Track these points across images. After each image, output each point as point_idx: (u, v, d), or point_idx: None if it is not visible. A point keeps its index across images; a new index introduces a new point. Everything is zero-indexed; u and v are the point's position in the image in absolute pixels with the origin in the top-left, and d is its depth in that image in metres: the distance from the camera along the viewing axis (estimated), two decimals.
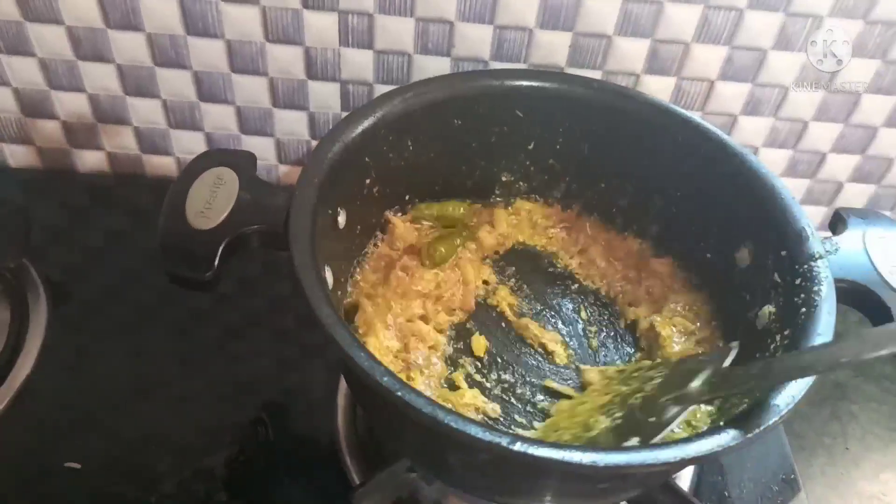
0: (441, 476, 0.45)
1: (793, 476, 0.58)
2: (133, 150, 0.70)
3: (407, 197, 0.58)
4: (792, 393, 0.37)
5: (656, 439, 0.40)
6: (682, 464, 0.33)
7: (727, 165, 0.51)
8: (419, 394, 0.35)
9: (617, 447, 0.35)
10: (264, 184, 0.46)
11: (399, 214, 0.57)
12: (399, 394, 0.35)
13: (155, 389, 0.56)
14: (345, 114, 0.65)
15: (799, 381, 0.38)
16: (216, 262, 0.42)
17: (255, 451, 0.54)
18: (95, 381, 0.56)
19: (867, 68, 0.61)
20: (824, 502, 0.62)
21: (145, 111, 0.67)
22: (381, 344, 0.48)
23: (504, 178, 0.60)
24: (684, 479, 0.54)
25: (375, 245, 0.56)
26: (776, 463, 0.59)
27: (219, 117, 0.67)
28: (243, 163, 0.47)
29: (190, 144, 0.69)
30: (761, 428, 0.35)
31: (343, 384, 0.57)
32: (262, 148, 0.69)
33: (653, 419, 0.42)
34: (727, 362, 0.43)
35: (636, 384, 0.47)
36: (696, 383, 0.42)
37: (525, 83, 0.56)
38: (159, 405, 0.55)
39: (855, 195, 0.71)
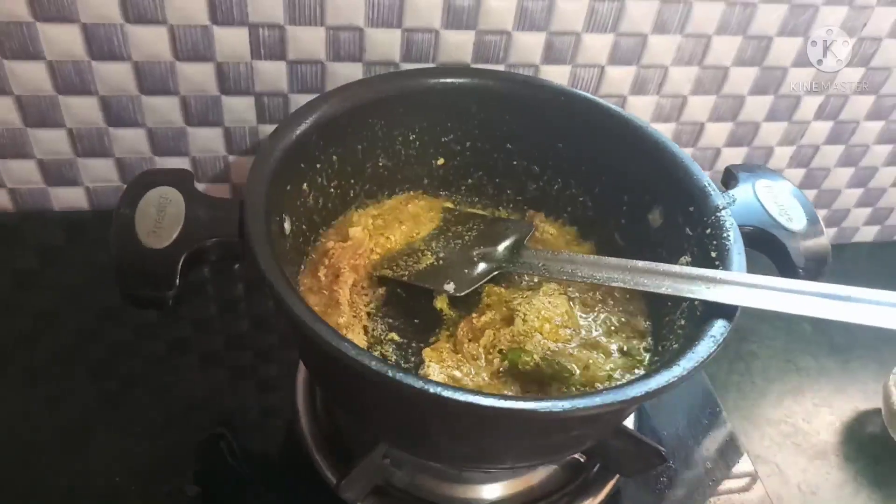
0: (420, 452, 0.47)
1: (718, 408, 0.64)
2: (38, 184, 0.67)
3: (347, 198, 0.60)
4: (723, 325, 0.43)
5: (464, 290, 0.53)
6: (648, 396, 0.37)
7: (631, 139, 0.56)
8: (407, 371, 0.38)
9: (581, 393, 0.39)
10: (208, 197, 0.47)
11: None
12: (391, 374, 0.37)
13: (97, 426, 0.55)
14: (261, 126, 0.66)
15: (725, 316, 0.44)
16: (177, 278, 0.42)
17: (221, 466, 0.54)
18: (20, 434, 0.54)
19: (732, 45, 0.70)
20: (741, 431, 0.69)
21: (49, 142, 0.64)
22: None
23: (426, 171, 0.63)
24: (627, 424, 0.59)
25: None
26: (702, 400, 0.65)
27: (129, 141, 0.65)
28: (182, 180, 0.47)
29: (100, 172, 0.67)
30: (708, 355, 0.40)
31: (302, 386, 0.58)
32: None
33: (466, 270, 0.54)
34: (527, 239, 0.57)
35: (461, 229, 0.58)
36: (500, 247, 0.55)
37: (439, 80, 0.59)
38: (107, 440, 0.54)
39: (732, 157, 0.80)
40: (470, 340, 0.52)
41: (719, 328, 0.43)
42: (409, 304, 0.56)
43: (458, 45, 0.65)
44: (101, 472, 0.52)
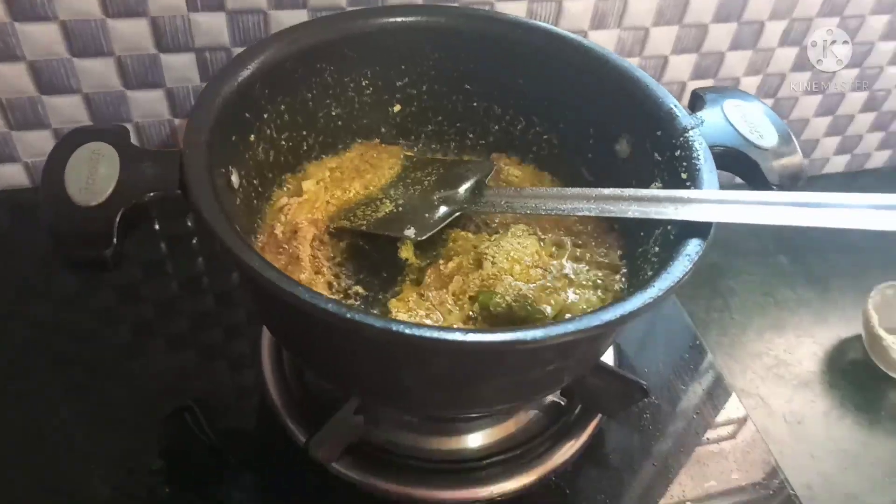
0: (391, 402, 0.45)
1: (698, 342, 0.63)
2: None
3: (300, 151, 0.57)
4: (697, 244, 0.41)
5: (427, 234, 0.50)
6: (624, 320, 0.35)
7: (593, 68, 0.54)
8: (369, 312, 0.35)
9: (560, 321, 0.37)
10: (146, 151, 0.43)
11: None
12: (349, 315, 0.34)
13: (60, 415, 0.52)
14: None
15: (699, 235, 0.42)
16: (114, 236, 0.39)
17: (190, 438, 0.51)
18: None
19: None
20: (725, 367, 0.68)
21: None
22: None
23: (383, 119, 0.60)
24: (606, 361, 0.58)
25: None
26: (681, 336, 0.64)
27: (66, 109, 0.62)
28: (116, 135, 0.44)
29: (38, 145, 0.63)
30: (683, 274, 0.38)
31: (267, 351, 0.55)
32: None
33: (427, 215, 0.52)
34: (488, 178, 0.54)
35: (419, 175, 0.56)
36: (462, 189, 0.53)
37: (389, 20, 0.56)
38: (71, 423, 0.51)
39: None
40: (438, 288, 0.50)
41: (693, 247, 0.41)
42: (374, 255, 0.53)
43: None
44: (65, 459, 0.49)
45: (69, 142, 0.43)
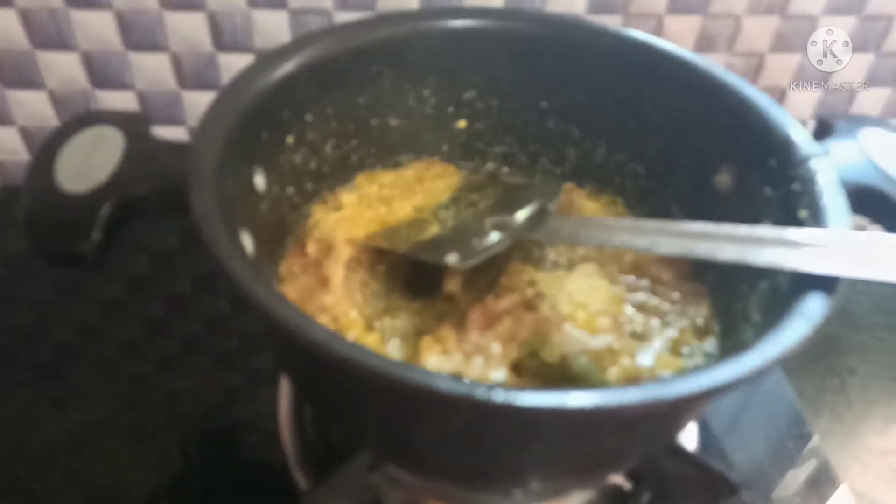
0: (409, 464, 0.37)
1: (807, 429, 0.51)
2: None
3: (347, 161, 0.50)
4: (820, 301, 0.31)
5: (471, 262, 0.42)
6: (709, 394, 0.26)
7: (692, 85, 0.45)
8: (369, 351, 0.27)
9: (619, 387, 0.28)
10: (160, 142, 0.38)
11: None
12: (346, 352, 0.27)
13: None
14: (221, 55, 0.58)
15: (822, 291, 0.32)
16: (94, 230, 0.34)
17: (184, 479, 0.45)
18: None
19: None
20: (837, 462, 0.56)
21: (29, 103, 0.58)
22: None
23: (445, 135, 0.53)
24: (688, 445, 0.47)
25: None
26: (786, 418, 0.52)
27: (118, 105, 0.58)
28: (133, 122, 0.39)
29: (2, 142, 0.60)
30: (797, 341, 0.28)
31: (286, 383, 0.48)
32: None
33: (475, 241, 0.44)
34: (552, 205, 0.46)
35: (476, 197, 0.49)
36: (521, 214, 0.45)
37: (460, 22, 0.49)
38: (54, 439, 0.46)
39: (802, 101, 0.66)
40: (483, 328, 0.41)
41: (814, 306, 0.31)
42: (415, 285, 0.46)
43: None
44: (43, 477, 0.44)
45: (75, 123, 0.38)
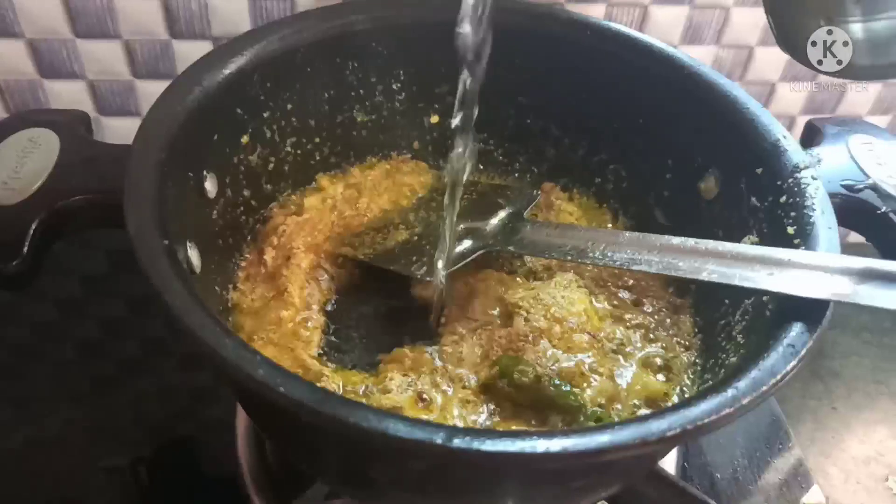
0: (366, 498, 0.34)
1: (789, 442, 0.50)
2: None
3: (310, 161, 0.47)
4: (805, 329, 0.29)
5: (440, 274, 0.39)
6: (685, 435, 0.24)
7: (679, 82, 0.43)
8: (318, 389, 0.25)
9: (589, 428, 0.26)
10: (99, 144, 0.35)
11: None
12: (282, 389, 0.24)
13: None
14: (176, 42, 0.54)
15: (809, 317, 0.29)
16: (25, 247, 0.31)
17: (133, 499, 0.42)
18: None
19: None
20: (821, 472, 0.54)
21: None
22: None
23: (417, 131, 0.50)
24: (668, 464, 0.45)
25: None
26: (768, 430, 0.50)
27: (67, 96, 0.55)
28: (69, 122, 0.36)
29: None
30: (781, 375, 0.26)
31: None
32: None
33: (447, 244, 0.40)
34: (527, 211, 0.44)
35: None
36: (494, 221, 0.43)
37: (431, 11, 0.46)
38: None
39: (791, 100, 0.63)
40: (451, 344, 0.39)
41: (799, 334, 0.28)
42: (382, 293, 0.43)
43: None
44: None
45: (6, 126, 0.35)
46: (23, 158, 0.33)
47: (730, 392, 0.26)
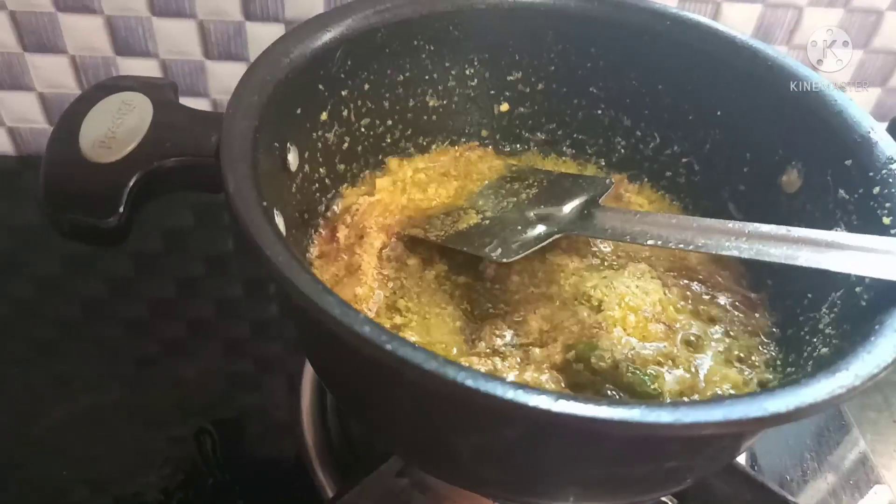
0: (440, 471, 0.34)
1: (861, 451, 0.48)
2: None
3: (382, 143, 0.47)
4: None
5: (512, 255, 0.39)
6: (801, 412, 0.23)
7: (760, 74, 0.42)
8: (417, 347, 0.25)
9: (704, 402, 0.25)
10: (189, 110, 0.36)
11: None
12: (390, 347, 0.24)
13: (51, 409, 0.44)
14: (249, 24, 0.54)
15: None
16: (122, 204, 0.31)
17: (199, 470, 0.42)
18: None
19: None
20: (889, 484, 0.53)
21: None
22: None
23: (486, 119, 0.50)
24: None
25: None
26: (837, 435, 0.49)
27: (140, 74, 0.55)
28: (161, 89, 0.36)
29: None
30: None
31: (308, 378, 0.45)
32: None
33: (518, 234, 0.41)
34: (603, 197, 0.43)
35: (517, 186, 0.46)
36: (567, 207, 0.42)
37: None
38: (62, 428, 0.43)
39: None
40: (524, 328, 0.38)
41: None
42: (452, 277, 0.43)
43: None
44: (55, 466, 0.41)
45: (101, 89, 0.35)
46: (119, 120, 0.34)
47: (840, 374, 0.25)
